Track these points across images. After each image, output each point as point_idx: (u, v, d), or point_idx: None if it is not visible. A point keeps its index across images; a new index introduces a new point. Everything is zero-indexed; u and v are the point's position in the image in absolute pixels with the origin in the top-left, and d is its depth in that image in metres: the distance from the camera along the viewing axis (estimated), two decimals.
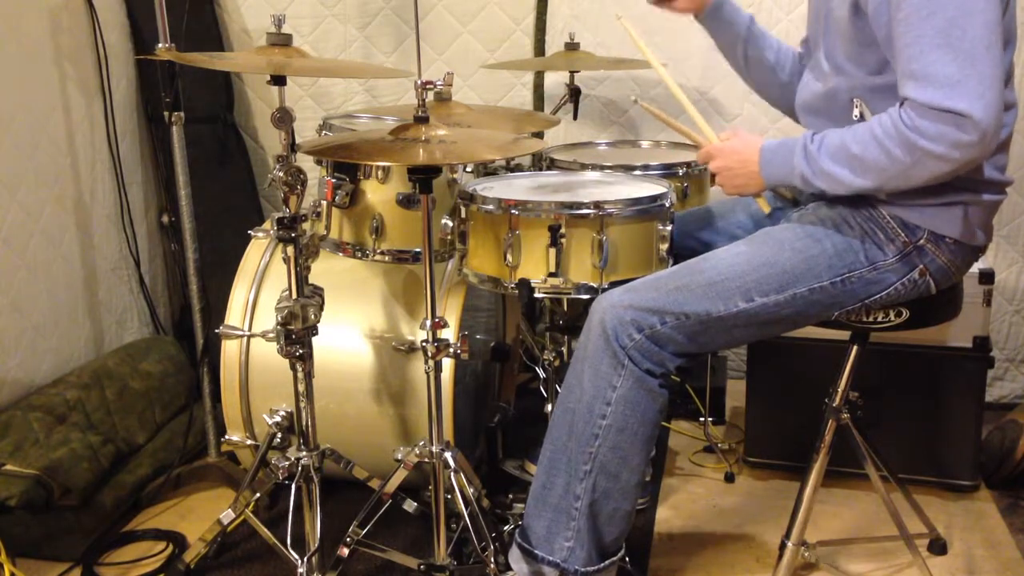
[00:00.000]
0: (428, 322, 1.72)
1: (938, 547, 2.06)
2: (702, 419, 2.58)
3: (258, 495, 1.92)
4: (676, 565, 2.04)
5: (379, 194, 1.85)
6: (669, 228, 1.79)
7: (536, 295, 1.74)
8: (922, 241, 1.65)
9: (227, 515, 1.92)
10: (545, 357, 2.13)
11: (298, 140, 1.67)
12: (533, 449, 1.93)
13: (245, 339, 2.06)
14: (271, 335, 1.75)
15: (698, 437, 2.59)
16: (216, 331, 2.08)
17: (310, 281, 1.71)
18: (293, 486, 1.76)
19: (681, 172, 2.23)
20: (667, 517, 2.24)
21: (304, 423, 1.77)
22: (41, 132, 2.35)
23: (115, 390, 2.32)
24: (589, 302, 1.72)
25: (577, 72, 2.69)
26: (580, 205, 1.72)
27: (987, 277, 2.20)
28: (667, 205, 1.79)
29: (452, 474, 1.77)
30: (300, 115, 2.37)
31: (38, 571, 2.03)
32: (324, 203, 1.86)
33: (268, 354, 2.03)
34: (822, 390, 1.85)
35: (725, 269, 1.66)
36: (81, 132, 2.49)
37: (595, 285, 1.74)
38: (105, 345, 2.59)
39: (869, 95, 1.62)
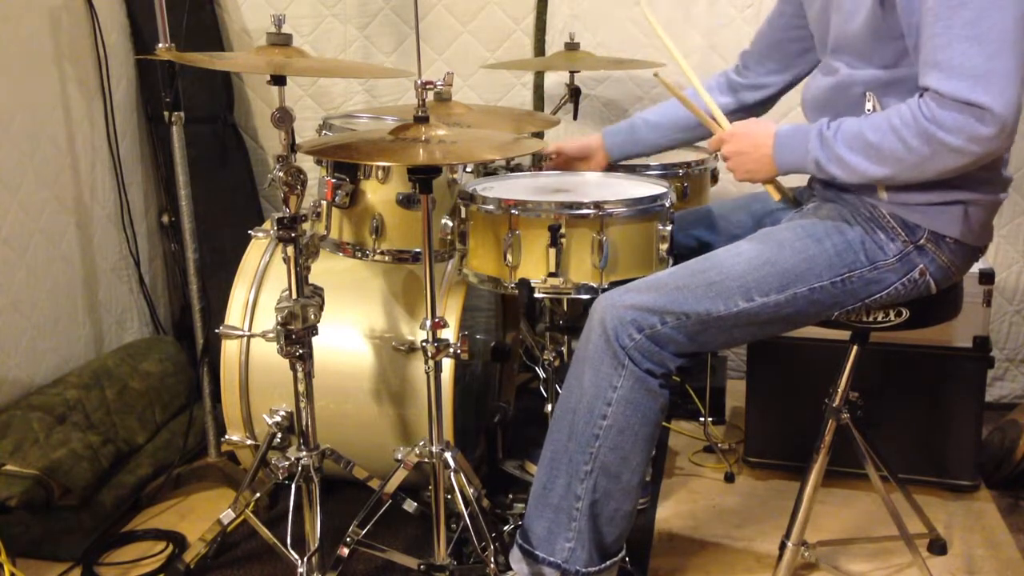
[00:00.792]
0: (428, 322, 1.72)
1: (938, 547, 2.06)
2: (702, 419, 2.58)
3: (258, 495, 1.92)
4: (676, 565, 2.04)
5: (379, 194, 1.85)
6: (669, 228, 1.79)
7: (536, 295, 1.74)
8: (922, 241, 1.65)
9: (227, 515, 1.92)
10: (545, 357, 2.13)
11: (298, 140, 1.67)
12: (533, 449, 1.93)
13: (245, 339, 2.06)
14: (271, 335, 1.74)
15: (698, 437, 2.59)
16: (216, 331, 2.08)
17: (310, 281, 1.71)
18: (293, 486, 1.76)
19: (681, 172, 2.23)
20: (667, 517, 2.24)
21: (304, 423, 1.77)
22: (41, 132, 2.35)
23: (115, 390, 2.32)
24: (589, 302, 1.72)
25: (577, 72, 2.69)
26: (580, 205, 1.72)
27: (987, 277, 2.19)
28: (667, 205, 1.79)
29: (452, 474, 1.77)
30: (300, 115, 2.37)
31: (38, 571, 2.03)
32: (324, 203, 1.86)
33: (268, 354, 2.03)
34: (822, 390, 1.85)
35: (725, 269, 1.66)
36: (81, 132, 2.49)
37: (595, 285, 1.74)
38: (105, 345, 2.59)
39: (882, 89, 1.62)
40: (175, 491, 2.34)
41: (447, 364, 1.88)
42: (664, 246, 1.79)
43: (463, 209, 1.82)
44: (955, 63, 1.44)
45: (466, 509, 1.77)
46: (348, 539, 1.82)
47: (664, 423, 2.03)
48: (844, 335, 1.81)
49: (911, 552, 1.88)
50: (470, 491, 1.78)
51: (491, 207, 1.77)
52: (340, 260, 1.98)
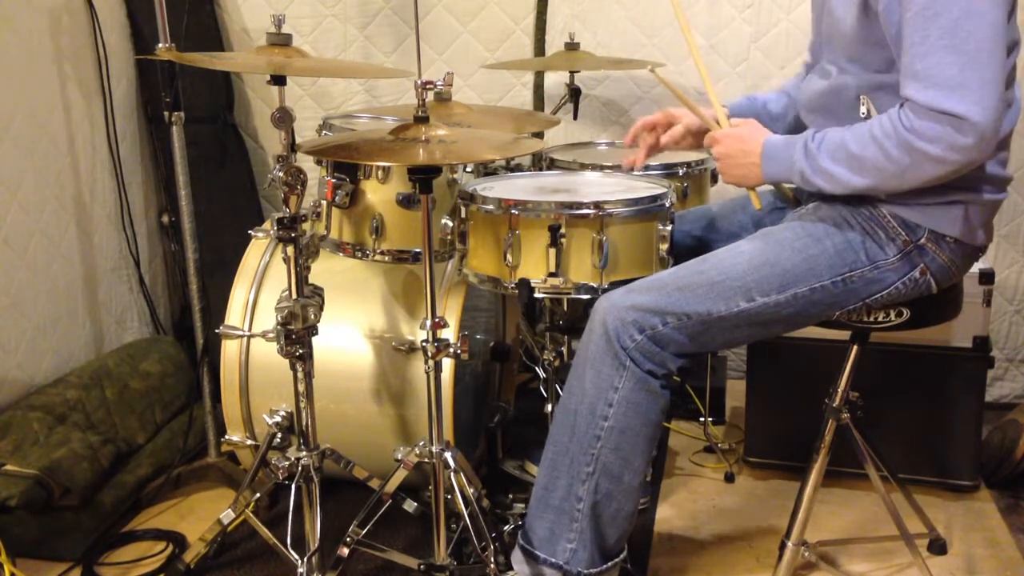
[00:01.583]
0: (428, 322, 1.72)
1: (938, 547, 2.06)
2: (702, 419, 2.58)
3: (258, 495, 1.92)
4: (676, 565, 2.04)
5: (379, 194, 1.85)
6: (669, 228, 1.79)
7: (536, 295, 1.74)
8: (923, 240, 1.65)
9: (227, 515, 1.92)
10: (545, 357, 2.13)
11: (298, 140, 1.67)
12: (533, 449, 1.93)
13: (245, 339, 2.06)
14: (271, 335, 1.74)
15: (698, 437, 2.59)
16: (216, 331, 2.08)
17: (310, 281, 1.71)
18: (293, 486, 1.76)
19: (681, 172, 2.23)
20: (667, 517, 2.24)
21: (304, 423, 1.77)
22: (41, 132, 2.35)
23: (115, 390, 2.32)
24: (589, 302, 1.72)
25: (577, 72, 2.69)
26: (580, 205, 1.72)
27: (987, 277, 2.19)
28: (667, 205, 1.79)
29: (452, 474, 1.77)
30: (300, 115, 2.37)
31: (38, 571, 2.03)
32: (324, 203, 1.86)
33: (268, 354, 2.03)
34: (822, 390, 1.85)
35: (726, 269, 1.66)
36: (81, 132, 2.49)
37: (595, 285, 1.73)
38: (105, 345, 2.59)
39: (875, 93, 1.62)
40: (175, 491, 2.34)
41: (447, 364, 1.88)
42: (664, 246, 1.79)
43: (463, 209, 1.81)
44: (932, 73, 1.44)
45: (466, 509, 1.77)
46: (348, 539, 1.82)
47: (664, 423, 2.03)
48: (844, 335, 1.81)
49: (911, 552, 1.88)
50: (470, 491, 1.78)
51: (491, 207, 1.76)
52: (340, 260, 1.98)
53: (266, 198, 3.08)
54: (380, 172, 1.84)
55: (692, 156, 2.34)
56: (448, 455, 1.78)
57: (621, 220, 1.73)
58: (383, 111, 2.51)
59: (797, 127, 1.87)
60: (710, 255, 1.72)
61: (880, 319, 1.73)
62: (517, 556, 1.74)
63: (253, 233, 2.18)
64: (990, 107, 1.43)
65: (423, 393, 1.81)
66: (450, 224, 1.83)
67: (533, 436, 2.01)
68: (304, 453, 1.76)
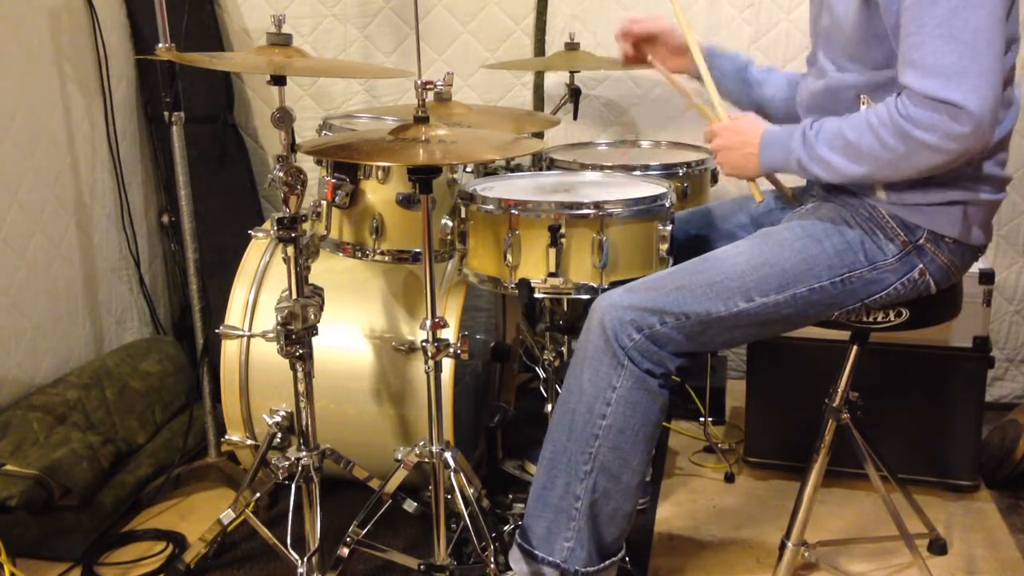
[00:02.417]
0: (428, 322, 1.72)
1: (938, 547, 2.06)
2: (702, 419, 2.58)
3: (258, 495, 1.92)
4: (676, 565, 2.04)
5: (379, 194, 1.85)
6: (669, 228, 1.79)
7: (536, 295, 1.74)
8: (922, 241, 1.65)
9: (227, 515, 1.92)
10: (545, 357, 2.13)
11: (298, 140, 1.67)
12: (533, 449, 1.93)
13: (245, 339, 2.06)
14: (271, 335, 1.75)
15: (698, 437, 2.59)
16: (216, 331, 2.08)
17: (310, 281, 1.71)
18: (293, 486, 1.76)
19: (681, 172, 2.23)
20: (667, 517, 2.24)
21: (304, 423, 1.77)
22: (41, 132, 2.35)
23: (115, 390, 2.32)
24: (589, 302, 1.72)
25: (577, 72, 2.69)
26: (580, 205, 1.72)
27: (987, 277, 2.19)
28: (667, 205, 1.79)
29: (452, 474, 1.77)
30: (300, 115, 2.37)
31: (38, 571, 2.03)
32: (324, 203, 1.86)
33: (268, 354, 2.03)
34: (822, 390, 1.85)
35: (725, 269, 1.66)
36: (81, 132, 2.49)
37: (595, 285, 1.74)
38: (105, 345, 2.60)
39: (874, 91, 1.62)
40: (175, 491, 2.34)
41: (447, 364, 1.88)
42: (664, 246, 1.79)
43: (463, 209, 1.82)
44: (928, 61, 1.44)
45: (466, 509, 1.77)
46: (348, 539, 1.82)
47: (664, 423, 2.03)
48: (844, 335, 1.81)
49: (911, 552, 1.88)
50: (470, 491, 1.78)
51: (491, 207, 1.77)
52: (340, 260, 1.98)
53: (266, 198, 3.08)
54: (380, 172, 1.84)
55: (692, 156, 2.34)
56: (448, 455, 1.78)
57: (621, 220, 1.73)
58: (383, 111, 2.51)
59: (786, 110, 1.89)
60: (709, 255, 1.72)
61: (880, 319, 1.73)
62: (515, 555, 1.74)
63: (253, 233, 2.18)
64: (987, 96, 1.42)
65: (423, 393, 1.81)
66: (450, 224, 1.83)
67: (533, 436, 2.01)
68: (304, 453, 1.76)
